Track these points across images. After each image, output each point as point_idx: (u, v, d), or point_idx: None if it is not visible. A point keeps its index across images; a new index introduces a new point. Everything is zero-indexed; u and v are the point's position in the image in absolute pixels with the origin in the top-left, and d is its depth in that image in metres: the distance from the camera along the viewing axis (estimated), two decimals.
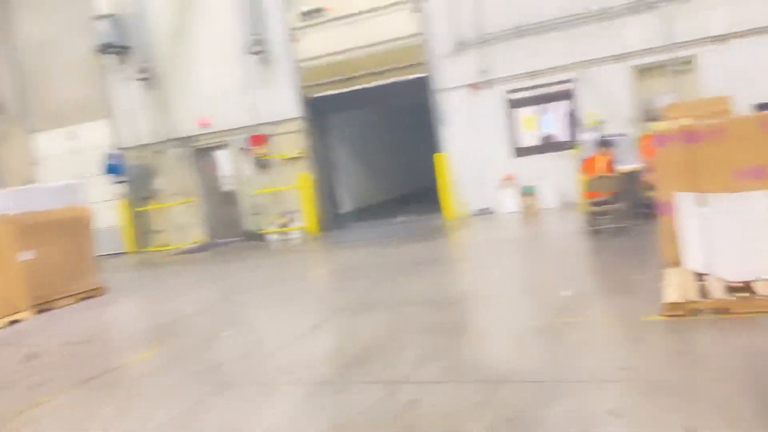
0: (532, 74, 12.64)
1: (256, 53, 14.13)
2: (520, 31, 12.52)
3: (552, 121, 13.15)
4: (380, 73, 13.60)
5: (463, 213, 13.24)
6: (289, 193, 14.37)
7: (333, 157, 17.18)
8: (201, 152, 15.48)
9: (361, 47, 13.63)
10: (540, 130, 13.18)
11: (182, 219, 15.59)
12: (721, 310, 4.54)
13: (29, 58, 16.45)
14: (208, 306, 7.87)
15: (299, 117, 14.33)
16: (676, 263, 5.51)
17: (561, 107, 12.92)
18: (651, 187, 8.56)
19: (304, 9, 14.02)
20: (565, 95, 12.64)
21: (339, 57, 13.84)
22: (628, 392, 3.61)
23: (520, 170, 12.86)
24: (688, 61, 11.59)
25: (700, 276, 5.15)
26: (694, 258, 5.32)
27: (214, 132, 15.05)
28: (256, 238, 14.62)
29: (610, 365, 4.02)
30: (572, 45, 12.19)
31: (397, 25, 13.36)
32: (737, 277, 4.82)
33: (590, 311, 5.36)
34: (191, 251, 14.44)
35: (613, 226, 8.94)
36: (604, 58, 12.03)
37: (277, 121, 14.42)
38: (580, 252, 8.45)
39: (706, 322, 4.51)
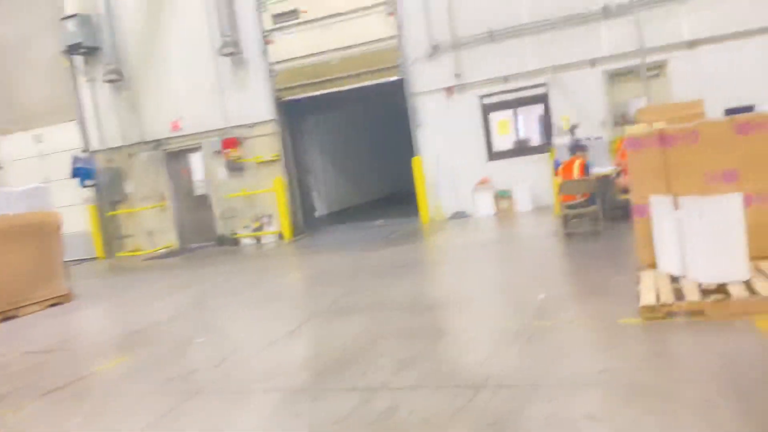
0: (506, 78, 12.70)
1: (229, 55, 13.94)
2: (494, 36, 12.58)
3: (526, 124, 13.27)
4: (355, 76, 13.54)
5: (439, 216, 13.24)
6: (263, 196, 14.21)
7: (308, 160, 17.08)
8: (173, 155, 15.23)
9: (335, 50, 13.56)
10: (514, 133, 13.28)
11: (153, 223, 15.31)
12: (697, 313, 4.56)
13: None
14: (180, 312, 7.70)
15: (273, 119, 14.19)
16: (651, 265, 5.55)
17: (535, 111, 13.03)
18: (625, 190, 8.69)
19: (278, 11, 13.90)
20: (539, 99, 12.74)
21: (313, 59, 13.75)
22: (607, 396, 3.60)
23: (494, 174, 12.91)
24: (659, 66, 11.78)
25: (675, 278, 5.19)
26: (669, 260, 5.36)
27: (186, 135, 14.81)
28: (229, 242, 14.43)
29: (588, 369, 4.00)
30: (545, 49, 12.30)
31: (372, 28, 13.33)
32: (711, 279, 4.85)
33: (567, 314, 5.35)
34: (163, 256, 14.18)
35: (587, 228, 9.01)
36: (576, 62, 12.17)
37: (251, 123, 14.26)
38: (556, 255, 8.48)
39: (682, 325, 4.53)
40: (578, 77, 12.18)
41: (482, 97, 12.98)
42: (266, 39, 14.02)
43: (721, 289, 4.71)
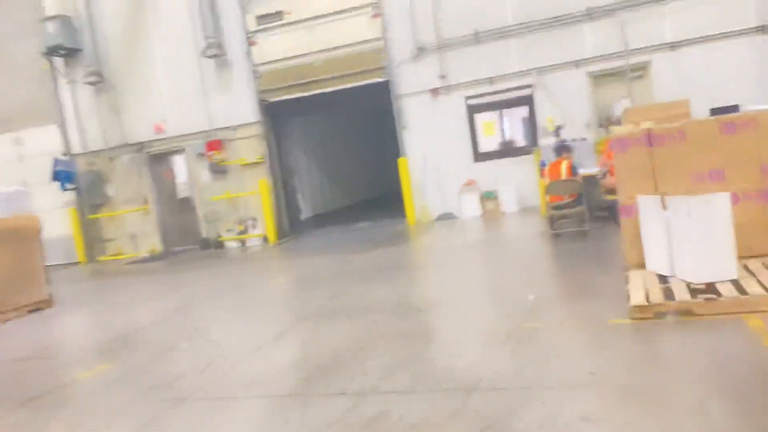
0: (492, 80, 12.72)
1: (213, 57, 13.80)
2: (479, 38, 12.59)
3: (511, 126, 13.30)
4: (340, 78, 13.47)
5: (425, 218, 13.21)
6: (247, 199, 14.08)
7: (293, 162, 16.98)
8: (155, 158, 15.03)
9: (320, 51, 13.48)
10: (500, 135, 13.29)
11: (136, 227, 15.10)
12: (686, 312, 4.55)
13: None
14: (163, 317, 7.56)
15: (257, 122, 14.06)
16: (639, 265, 5.55)
17: (520, 113, 13.06)
18: (611, 191, 8.71)
19: (262, 12, 13.79)
20: (524, 101, 12.76)
21: (298, 61, 13.65)
22: (599, 397, 3.56)
23: (480, 175, 12.91)
24: (642, 68, 11.87)
25: (663, 278, 5.18)
26: (657, 260, 5.36)
27: (169, 137, 14.63)
28: (213, 246, 14.28)
29: (580, 370, 3.97)
30: (530, 51, 12.34)
31: (357, 30, 13.27)
32: (700, 278, 4.86)
33: (557, 315, 5.33)
34: (146, 260, 13.99)
35: (574, 229, 9.02)
36: (561, 64, 12.21)
37: (235, 125, 14.12)
38: (543, 255, 8.47)
39: (672, 325, 4.52)
40: (563, 79, 12.24)
41: (468, 98, 12.97)
42: (250, 40, 13.90)
43: (710, 288, 4.72)
